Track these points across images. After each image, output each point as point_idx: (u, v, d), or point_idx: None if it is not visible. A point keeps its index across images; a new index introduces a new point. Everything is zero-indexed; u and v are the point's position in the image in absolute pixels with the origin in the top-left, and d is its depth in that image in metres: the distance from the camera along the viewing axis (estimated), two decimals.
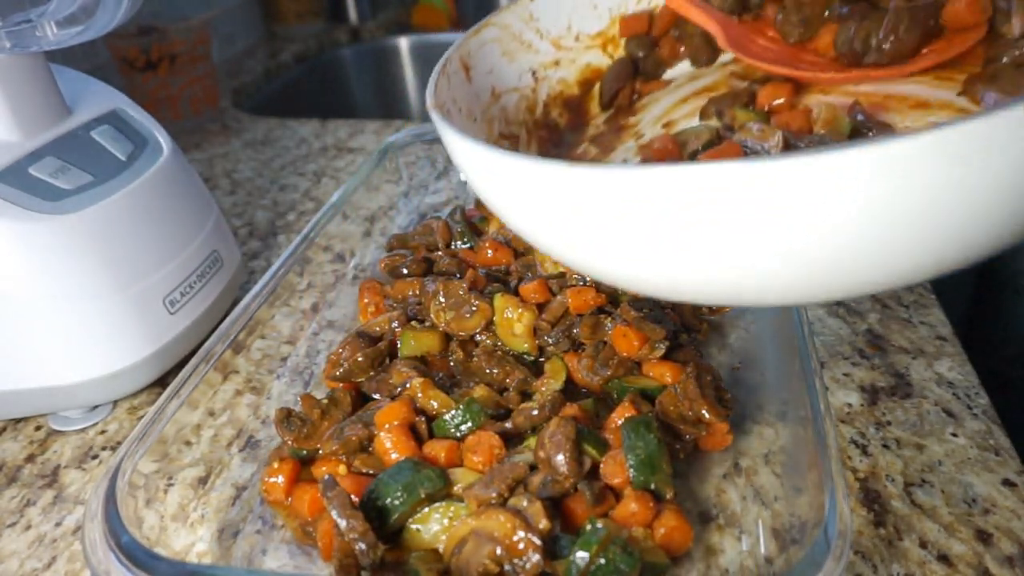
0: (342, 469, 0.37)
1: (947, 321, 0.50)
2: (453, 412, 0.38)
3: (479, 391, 0.40)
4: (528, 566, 0.31)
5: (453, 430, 0.38)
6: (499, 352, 0.43)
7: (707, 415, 0.38)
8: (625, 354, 0.42)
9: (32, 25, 0.41)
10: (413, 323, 0.46)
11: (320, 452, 0.39)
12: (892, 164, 0.19)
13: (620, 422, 0.37)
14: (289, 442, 0.39)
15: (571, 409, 0.38)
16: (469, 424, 0.38)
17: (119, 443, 0.44)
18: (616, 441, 0.36)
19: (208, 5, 1.14)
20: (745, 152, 0.32)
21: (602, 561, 0.31)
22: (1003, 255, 0.75)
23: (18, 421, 0.46)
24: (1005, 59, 0.32)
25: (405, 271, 0.52)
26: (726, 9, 0.40)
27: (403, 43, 1.35)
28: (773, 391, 0.42)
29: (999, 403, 0.44)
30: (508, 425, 0.38)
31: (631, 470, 0.34)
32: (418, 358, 0.44)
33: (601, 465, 0.35)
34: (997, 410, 0.43)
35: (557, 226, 0.25)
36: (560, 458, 0.34)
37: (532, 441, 0.37)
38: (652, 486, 0.34)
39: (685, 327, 0.46)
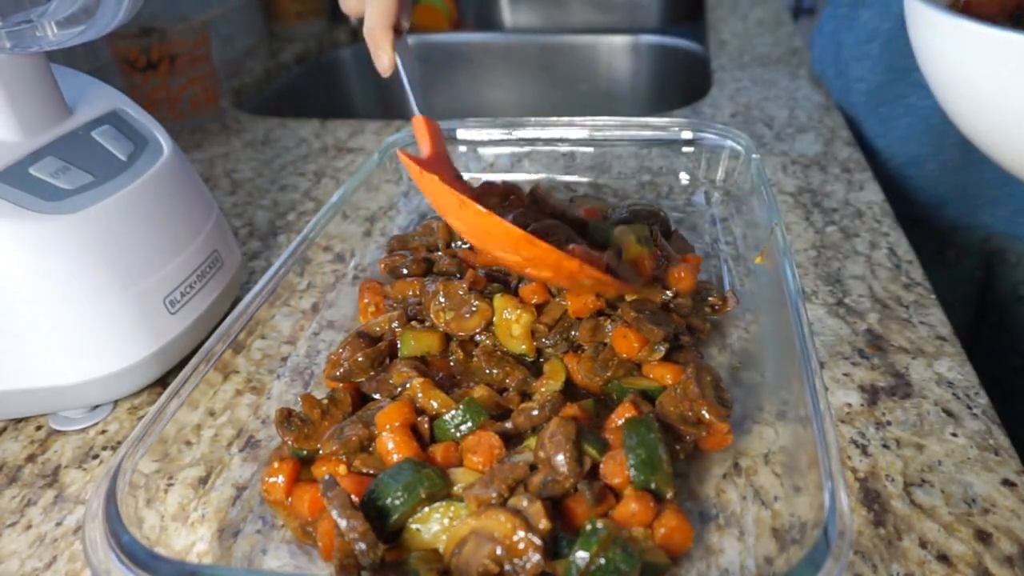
0: (342, 469, 0.37)
1: (947, 321, 0.50)
2: (453, 412, 0.38)
3: (479, 391, 0.40)
4: (528, 566, 0.31)
5: (453, 430, 0.38)
6: (499, 352, 0.43)
7: (707, 415, 0.38)
8: (625, 355, 0.42)
9: (32, 25, 0.41)
10: (413, 323, 0.46)
11: (320, 452, 0.39)
12: None
13: (620, 422, 0.37)
14: (289, 442, 0.39)
15: (571, 409, 0.38)
16: (469, 424, 0.38)
17: (119, 443, 0.44)
18: (616, 441, 0.36)
19: (208, 5, 1.14)
20: None
21: (602, 561, 0.31)
22: (1006, 261, 0.74)
23: (18, 421, 0.46)
24: None
25: (405, 271, 0.52)
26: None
27: None
28: (773, 391, 0.42)
29: (1002, 408, 0.43)
30: (508, 425, 0.38)
31: (631, 470, 0.34)
32: (418, 358, 0.44)
33: (601, 465, 0.35)
34: (999, 414, 0.43)
35: None
36: (560, 458, 0.34)
37: (532, 441, 0.37)
38: (652, 486, 0.34)
39: (688, 328, 0.46)
